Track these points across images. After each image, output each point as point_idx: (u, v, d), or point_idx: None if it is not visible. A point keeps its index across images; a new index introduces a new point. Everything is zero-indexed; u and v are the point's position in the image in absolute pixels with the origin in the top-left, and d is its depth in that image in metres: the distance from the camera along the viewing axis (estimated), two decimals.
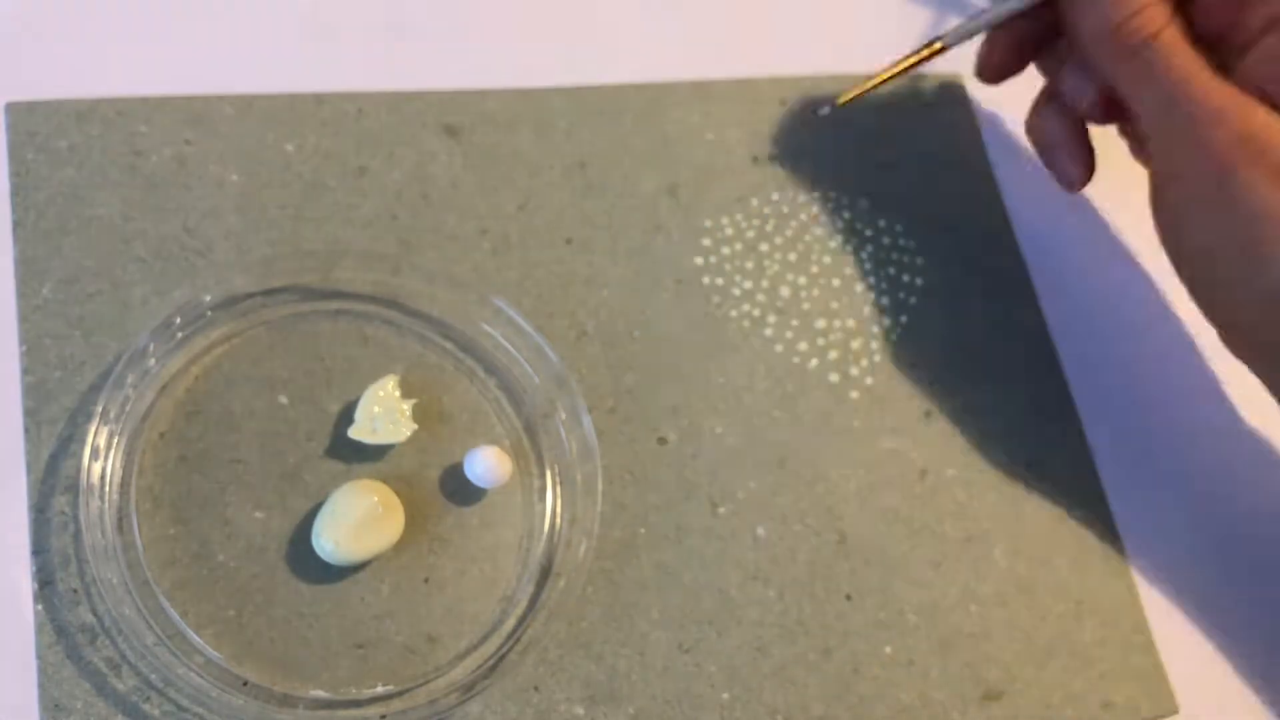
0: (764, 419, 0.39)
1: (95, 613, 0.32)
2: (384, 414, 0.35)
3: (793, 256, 0.42)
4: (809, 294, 0.42)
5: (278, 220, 0.37)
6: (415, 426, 0.35)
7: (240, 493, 0.34)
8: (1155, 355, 0.44)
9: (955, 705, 0.37)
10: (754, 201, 0.42)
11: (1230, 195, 0.35)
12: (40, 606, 0.31)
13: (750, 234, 0.42)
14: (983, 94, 0.46)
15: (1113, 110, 0.40)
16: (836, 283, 0.42)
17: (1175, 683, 0.40)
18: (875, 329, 0.42)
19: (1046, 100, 0.42)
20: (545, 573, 0.35)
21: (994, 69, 0.42)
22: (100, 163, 0.36)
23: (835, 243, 0.43)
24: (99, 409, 0.32)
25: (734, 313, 0.40)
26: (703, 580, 0.37)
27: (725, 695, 0.35)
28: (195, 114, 0.38)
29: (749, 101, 0.44)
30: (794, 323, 0.41)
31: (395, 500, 0.34)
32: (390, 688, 0.33)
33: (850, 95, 0.41)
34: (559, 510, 0.36)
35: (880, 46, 0.45)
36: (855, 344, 0.41)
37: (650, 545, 0.37)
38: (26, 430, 0.33)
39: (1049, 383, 0.43)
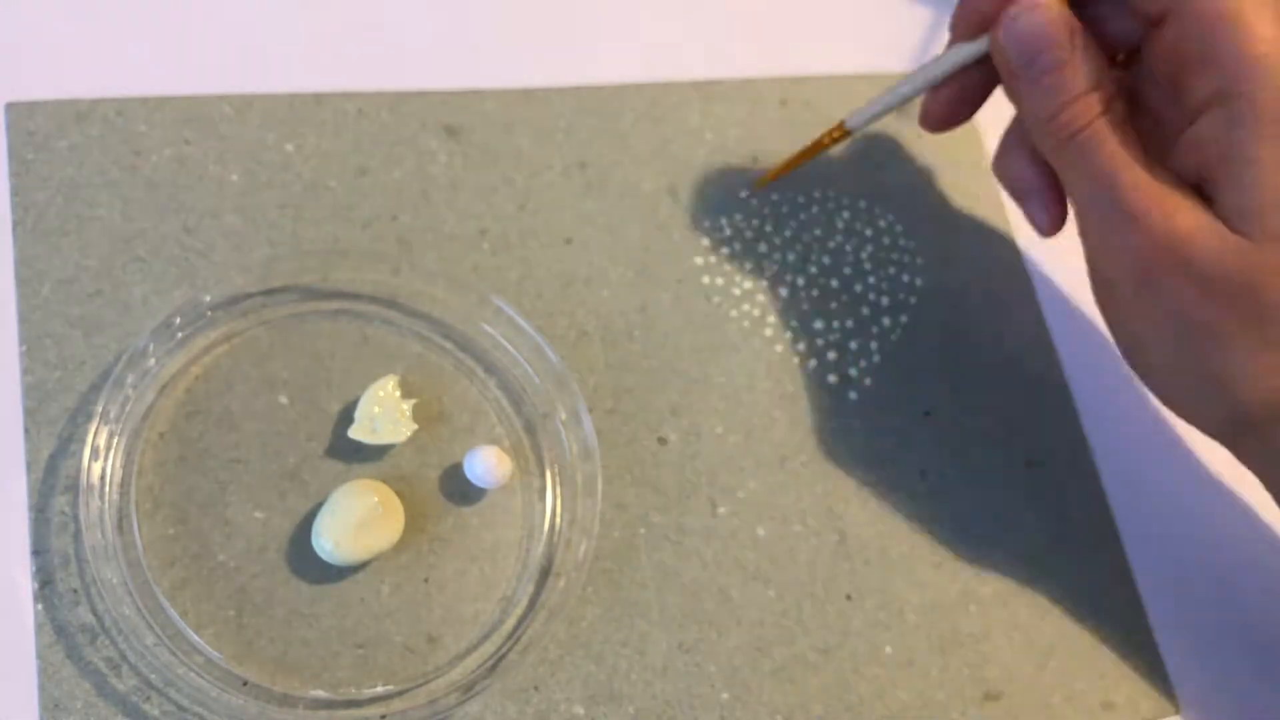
0: (764, 419, 0.39)
1: (95, 613, 0.32)
2: (384, 414, 0.35)
3: (792, 256, 0.42)
4: (809, 294, 0.42)
5: (278, 220, 0.37)
6: (415, 426, 0.35)
7: (240, 493, 0.34)
8: None
9: (955, 705, 0.37)
10: (754, 201, 0.42)
11: (1153, 301, 0.33)
12: (40, 606, 0.31)
13: (750, 234, 0.42)
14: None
15: None
16: (836, 283, 0.42)
17: (1175, 683, 0.40)
18: (875, 329, 0.42)
19: (1014, 140, 0.39)
20: (545, 573, 0.35)
21: (936, 120, 0.39)
22: (100, 163, 0.36)
23: (835, 243, 0.43)
24: (99, 409, 0.32)
25: (734, 313, 0.40)
26: (703, 580, 0.37)
27: (725, 695, 0.35)
28: (195, 114, 0.38)
29: (749, 101, 0.44)
30: (794, 323, 0.41)
31: (395, 500, 0.34)
32: (390, 688, 0.33)
33: (766, 179, 0.42)
34: (559, 510, 0.36)
35: (880, 46, 0.45)
36: (855, 344, 0.41)
37: (650, 545, 0.37)
38: (26, 430, 0.33)
39: (1049, 383, 0.43)
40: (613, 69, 0.43)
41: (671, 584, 0.36)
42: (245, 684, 0.32)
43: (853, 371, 0.41)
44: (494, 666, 0.33)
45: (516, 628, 0.34)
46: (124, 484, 0.33)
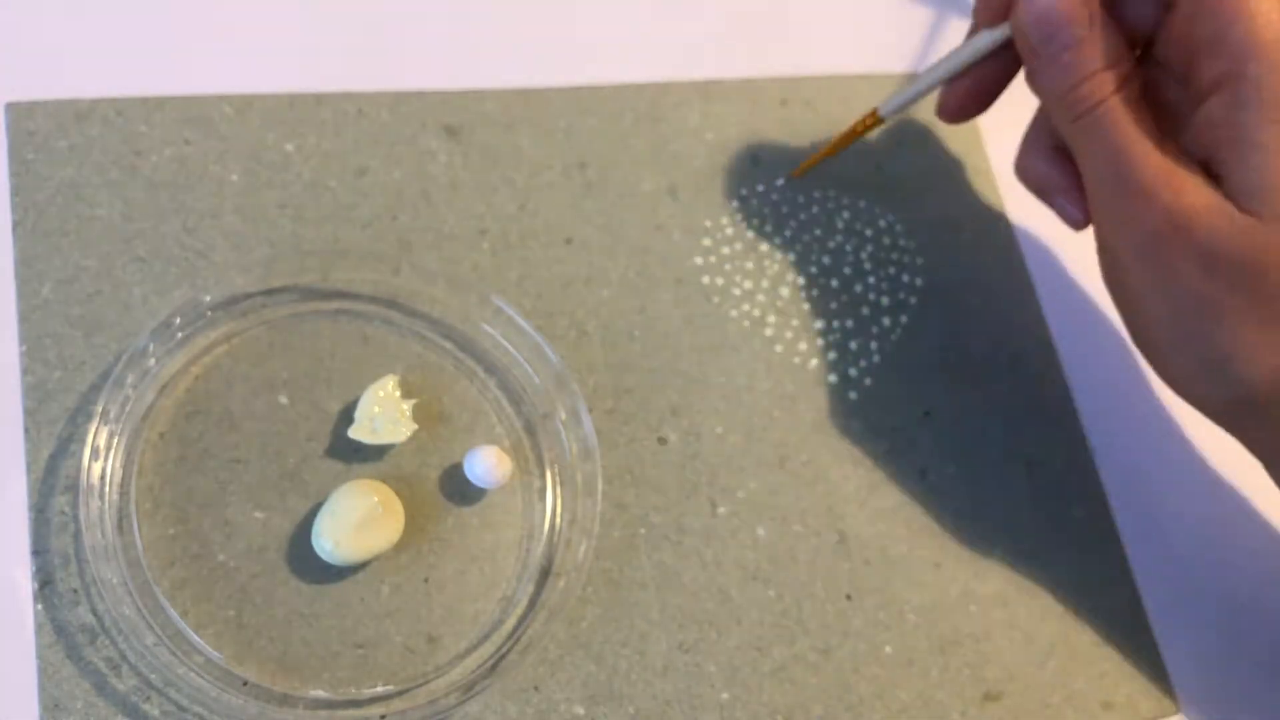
0: (764, 419, 0.39)
1: (95, 613, 0.32)
2: (384, 414, 0.35)
3: (793, 256, 0.42)
4: (809, 294, 0.42)
5: (278, 220, 0.37)
6: (415, 426, 0.35)
7: (240, 493, 0.34)
8: None
9: (955, 705, 0.37)
10: (754, 201, 0.42)
11: (1157, 271, 0.34)
12: (40, 606, 0.31)
13: (750, 234, 0.42)
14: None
15: None
16: (836, 283, 0.42)
17: (1175, 683, 0.40)
18: (875, 329, 0.42)
19: (1033, 141, 0.40)
20: (545, 573, 0.35)
21: (953, 110, 0.40)
22: (100, 163, 0.36)
23: (835, 243, 0.43)
24: (99, 409, 0.32)
25: (734, 313, 0.41)
26: (703, 580, 0.37)
27: (725, 695, 0.35)
28: (195, 114, 0.38)
29: (749, 101, 0.44)
30: (794, 323, 0.41)
31: (395, 500, 0.34)
32: (390, 688, 0.33)
33: (804, 167, 0.43)
34: (559, 510, 0.36)
35: (880, 46, 0.45)
36: (855, 344, 0.41)
37: (650, 545, 0.37)
38: (26, 430, 0.33)
39: (1049, 383, 0.43)
40: (613, 69, 0.43)
41: (671, 584, 0.36)
42: (245, 684, 0.32)
43: (853, 371, 0.41)
44: (494, 666, 0.33)
45: (516, 628, 0.34)
46: (124, 484, 0.33)
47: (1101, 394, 0.43)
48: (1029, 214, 0.45)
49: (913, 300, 0.43)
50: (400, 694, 0.33)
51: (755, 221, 0.42)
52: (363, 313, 0.37)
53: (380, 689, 0.33)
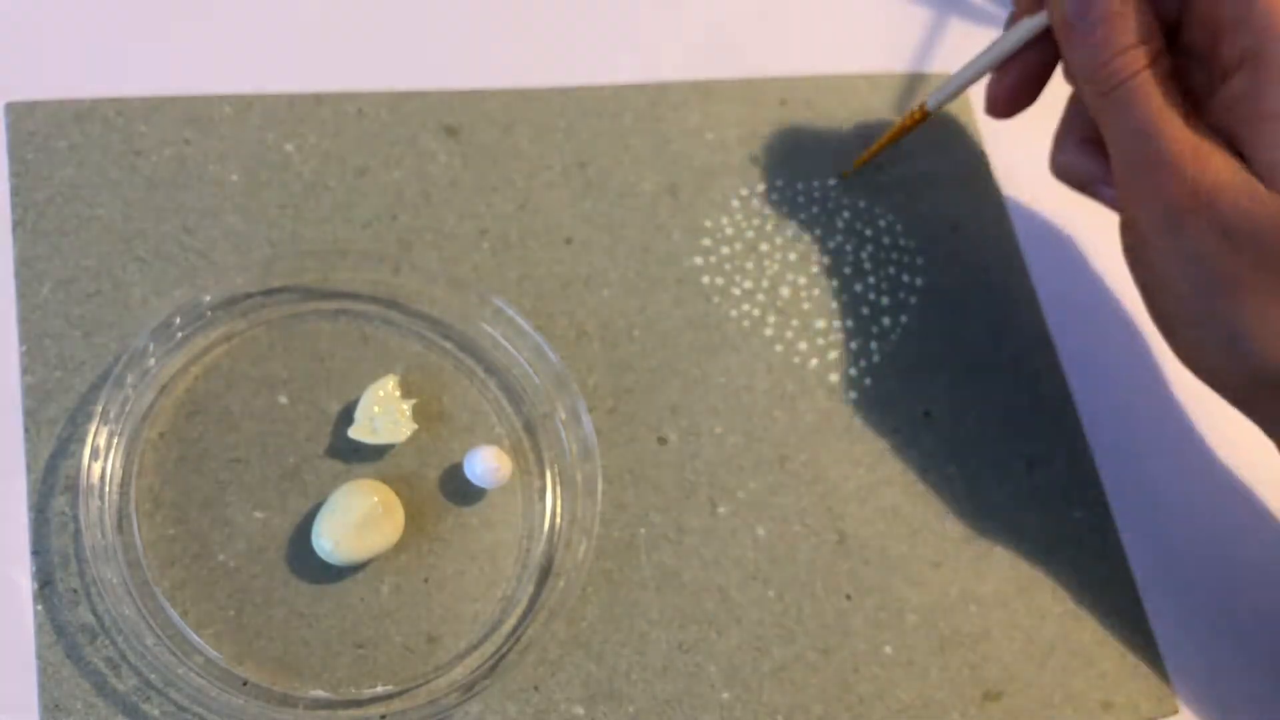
0: (764, 419, 0.39)
1: (95, 613, 0.32)
2: (384, 414, 0.35)
3: (793, 256, 0.42)
4: (809, 294, 0.42)
5: (278, 220, 0.37)
6: (415, 426, 0.35)
7: (240, 493, 0.34)
8: (1156, 354, 0.44)
9: (955, 705, 0.37)
10: (754, 202, 0.42)
11: (1179, 244, 0.34)
12: (40, 606, 0.31)
13: (750, 234, 0.42)
14: (983, 95, 0.46)
15: None
16: (836, 283, 0.42)
17: (1175, 683, 0.40)
18: (875, 329, 0.42)
19: (1065, 133, 0.40)
20: (545, 573, 0.35)
21: (1004, 104, 0.40)
22: (100, 163, 0.36)
23: (835, 243, 0.43)
24: (99, 409, 0.32)
25: (734, 313, 0.41)
26: (703, 580, 0.37)
27: (725, 695, 0.35)
28: (195, 114, 0.38)
29: (749, 101, 0.44)
30: (794, 323, 0.41)
31: (395, 500, 0.34)
32: (390, 688, 0.33)
33: (859, 163, 0.43)
34: (559, 510, 0.36)
35: (880, 46, 0.45)
36: (855, 344, 0.41)
37: (650, 545, 0.37)
38: (26, 430, 0.33)
39: (1049, 383, 0.43)
40: (613, 69, 0.43)
41: (671, 584, 0.36)
42: (245, 684, 0.32)
43: (853, 371, 0.41)
44: (494, 666, 0.33)
45: (516, 628, 0.34)
46: (124, 484, 0.33)
47: (1101, 394, 0.43)
48: (1029, 214, 0.45)
49: (913, 300, 0.43)
50: (400, 694, 0.33)
51: (755, 221, 0.42)
52: (363, 313, 0.37)
53: (380, 689, 0.33)
